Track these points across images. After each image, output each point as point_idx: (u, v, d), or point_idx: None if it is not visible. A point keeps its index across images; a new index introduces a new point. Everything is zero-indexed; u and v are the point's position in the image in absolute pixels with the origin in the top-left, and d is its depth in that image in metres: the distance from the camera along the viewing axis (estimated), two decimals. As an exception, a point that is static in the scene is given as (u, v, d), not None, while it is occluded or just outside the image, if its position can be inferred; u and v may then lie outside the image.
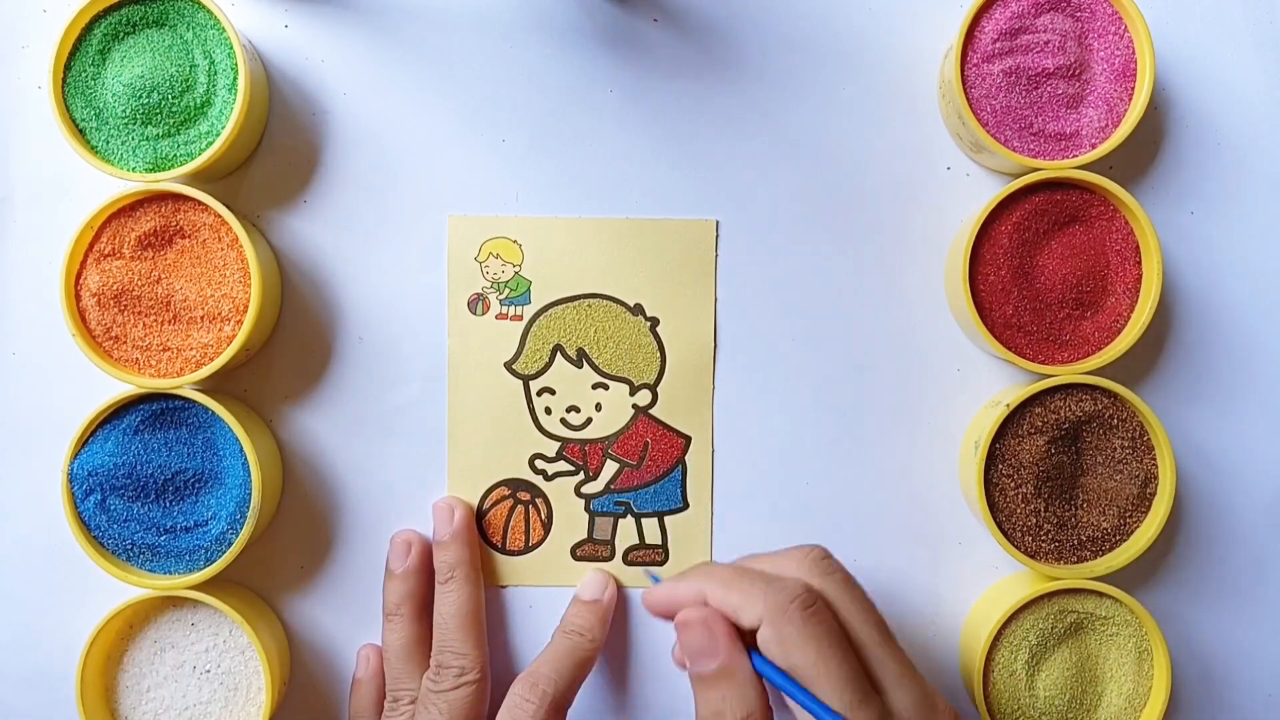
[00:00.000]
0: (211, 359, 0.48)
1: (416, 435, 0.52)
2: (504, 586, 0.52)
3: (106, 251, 0.48)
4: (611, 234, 0.52)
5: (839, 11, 0.52)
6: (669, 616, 0.42)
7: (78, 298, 0.48)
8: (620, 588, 0.52)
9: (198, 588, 0.48)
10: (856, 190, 0.52)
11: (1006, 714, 0.48)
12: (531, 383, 0.52)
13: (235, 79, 0.48)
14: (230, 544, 0.48)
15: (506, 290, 0.52)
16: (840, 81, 0.52)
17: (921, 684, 0.39)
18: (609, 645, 0.52)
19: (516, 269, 0.52)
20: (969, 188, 0.52)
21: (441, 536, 0.50)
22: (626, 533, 0.52)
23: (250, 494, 0.48)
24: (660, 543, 0.52)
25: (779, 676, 0.38)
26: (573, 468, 0.52)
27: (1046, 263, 0.49)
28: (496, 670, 0.52)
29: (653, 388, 0.52)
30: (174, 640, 0.49)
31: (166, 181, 0.48)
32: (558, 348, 0.52)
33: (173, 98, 0.48)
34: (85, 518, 0.48)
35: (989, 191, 0.52)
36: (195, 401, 0.48)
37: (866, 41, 0.52)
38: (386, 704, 0.49)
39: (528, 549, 0.52)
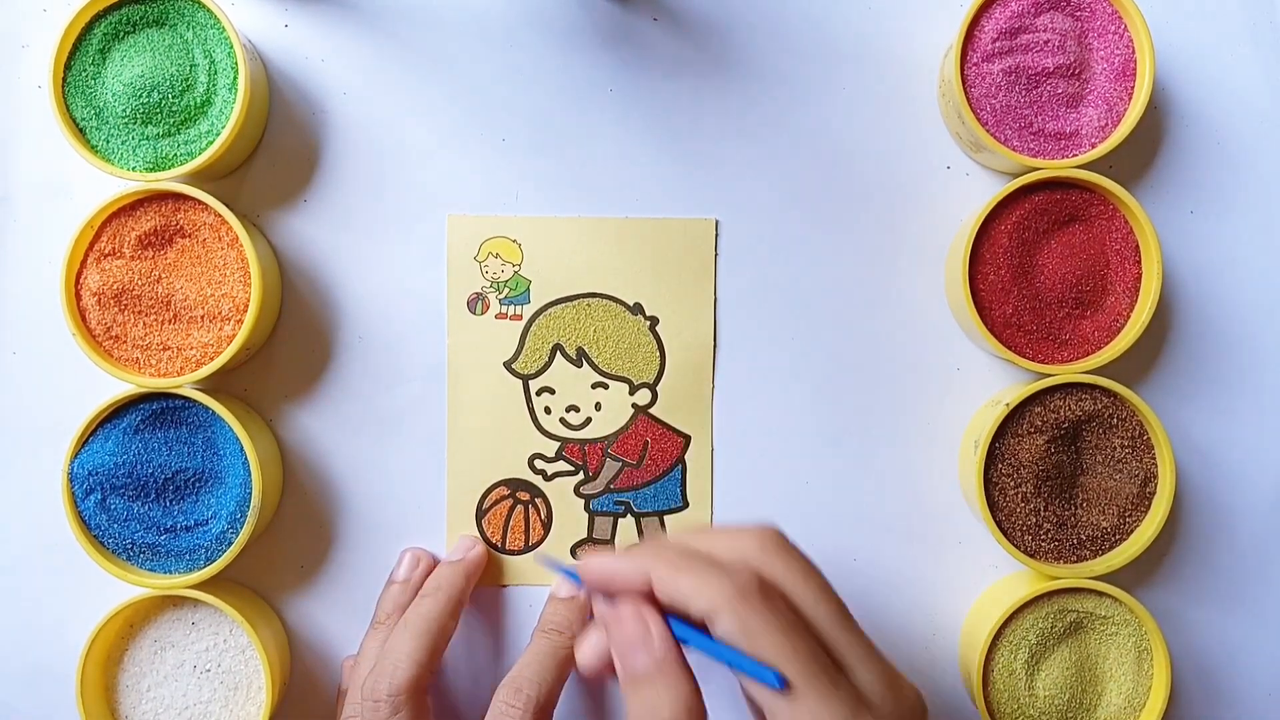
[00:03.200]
0: (211, 358, 0.48)
1: (416, 435, 0.52)
2: (504, 586, 0.52)
3: (107, 251, 0.48)
4: (611, 233, 0.52)
5: (839, 11, 0.52)
6: (608, 593, 0.39)
7: (78, 297, 0.48)
8: None
9: (198, 587, 0.48)
10: (856, 190, 0.52)
11: (1006, 713, 0.48)
12: (531, 382, 0.52)
13: (235, 79, 0.48)
14: (230, 543, 0.48)
15: (506, 290, 0.52)
16: (840, 81, 0.52)
17: (883, 664, 0.38)
18: None
19: (516, 268, 0.52)
20: (969, 187, 0.52)
21: (448, 558, 0.50)
22: (626, 532, 0.52)
23: (250, 493, 0.48)
24: (660, 542, 0.52)
25: (728, 653, 0.36)
26: (572, 467, 0.52)
27: (1046, 262, 0.49)
28: (497, 672, 0.52)
29: (652, 387, 0.52)
30: (174, 640, 0.49)
31: (166, 181, 0.48)
32: (557, 347, 0.52)
33: (173, 97, 0.48)
34: (85, 517, 0.48)
35: (989, 191, 0.52)
36: (195, 401, 0.48)
37: (866, 41, 0.52)
38: (344, 717, 0.47)
39: (528, 549, 0.52)
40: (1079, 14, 0.49)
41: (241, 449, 0.48)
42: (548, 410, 0.52)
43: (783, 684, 0.35)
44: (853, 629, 0.38)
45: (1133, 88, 0.49)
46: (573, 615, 0.49)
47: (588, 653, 0.39)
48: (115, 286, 0.48)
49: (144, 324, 0.48)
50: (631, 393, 0.52)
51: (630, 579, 0.38)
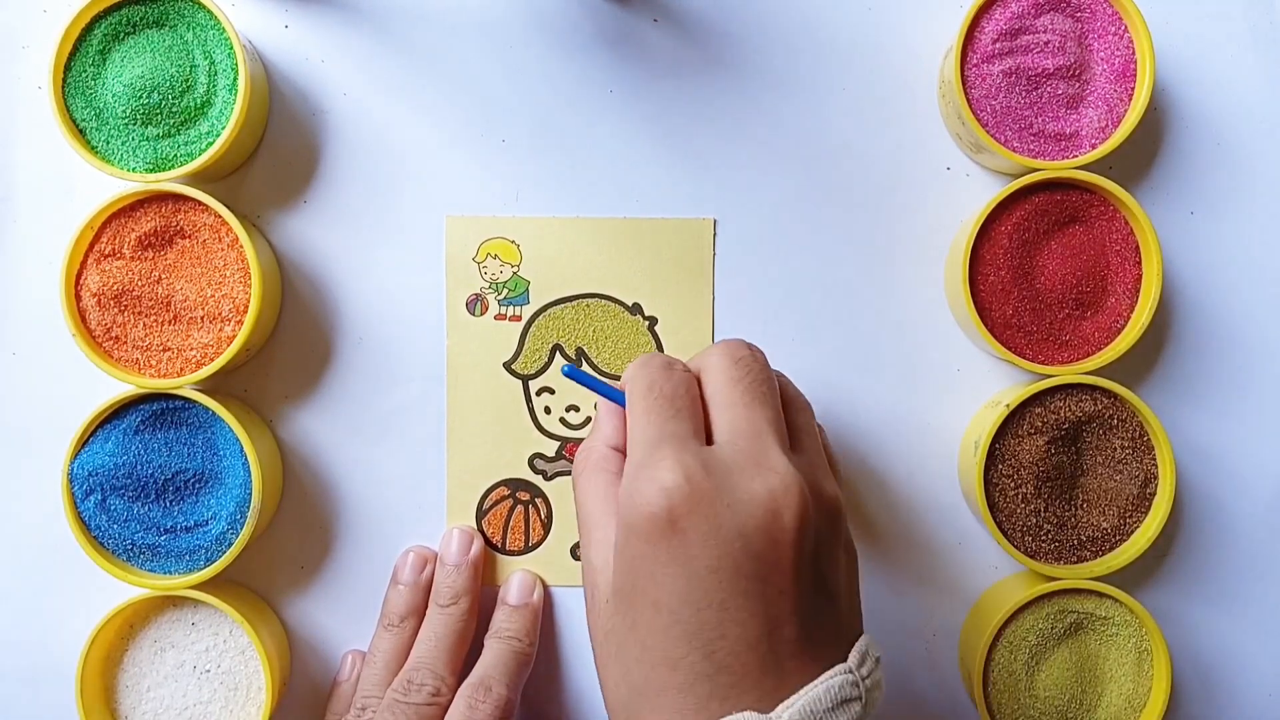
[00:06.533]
0: (212, 359, 0.48)
1: (416, 435, 0.52)
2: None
3: (107, 252, 0.48)
4: (610, 233, 0.52)
5: (839, 11, 0.52)
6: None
7: (78, 298, 0.48)
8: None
9: (198, 588, 0.48)
10: (856, 190, 0.52)
11: (1006, 714, 0.48)
12: (531, 382, 0.52)
13: (235, 79, 0.48)
14: (230, 544, 0.48)
15: (505, 290, 0.52)
16: (840, 81, 0.52)
17: (753, 450, 0.37)
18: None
19: (515, 269, 0.52)
20: (969, 188, 0.52)
21: (457, 560, 0.50)
22: (626, 533, 0.52)
23: (250, 494, 0.48)
24: (660, 543, 0.52)
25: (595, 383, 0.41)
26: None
27: (1046, 263, 0.49)
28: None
29: (652, 388, 0.52)
30: (174, 640, 0.49)
31: (166, 181, 0.48)
32: (557, 347, 0.52)
33: (173, 98, 0.48)
34: (85, 518, 0.48)
35: (989, 191, 0.52)
36: (195, 401, 0.48)
37: (866, 41, 0.52)
38: (353, 711, 0.48)
39: (528, 549, 0.52)
40: (1079, 15, 0.49)
41: (241, 450, 0.48)
42: (548, 410, 0.52)
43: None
44: (740, 407, 0.38)
45: (1133, 89, 0.49)
46: (527, 622, 0.49)
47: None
48: (115, 287, 0.48)
49: (144, 325, 0.48)
50: (631, 393, 0.52)
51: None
